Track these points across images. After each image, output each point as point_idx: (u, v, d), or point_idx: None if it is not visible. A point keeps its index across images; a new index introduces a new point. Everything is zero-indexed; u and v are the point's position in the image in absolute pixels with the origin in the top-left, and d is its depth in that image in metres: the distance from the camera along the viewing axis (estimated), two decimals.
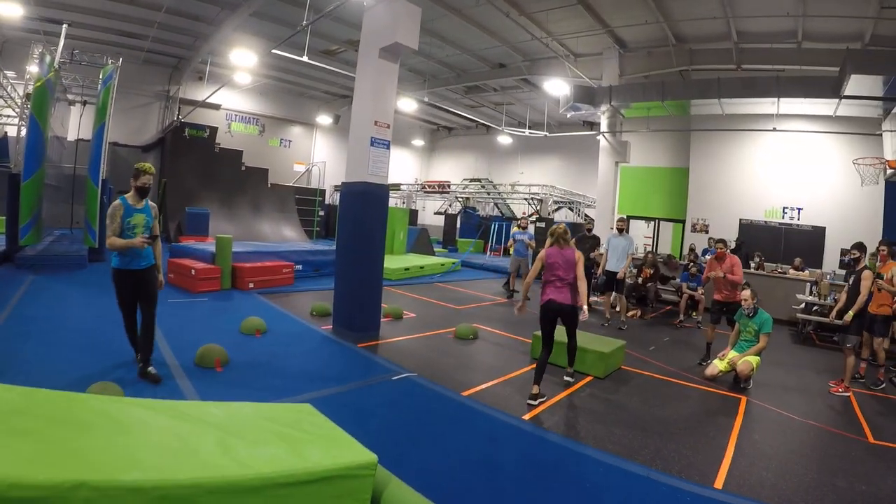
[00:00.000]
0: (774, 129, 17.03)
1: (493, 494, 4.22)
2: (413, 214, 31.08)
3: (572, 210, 27.73)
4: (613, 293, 12.08)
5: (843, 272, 15.36)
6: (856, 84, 13.09)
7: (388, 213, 9.37)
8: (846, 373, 7.81)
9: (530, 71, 21.60)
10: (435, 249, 24.22)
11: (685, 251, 18.98)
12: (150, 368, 5.95)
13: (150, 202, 6.08)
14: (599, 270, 12.00)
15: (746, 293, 7.93)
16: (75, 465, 2.13)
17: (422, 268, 17.73)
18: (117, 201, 5.79)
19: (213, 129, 26.84)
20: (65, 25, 14.34)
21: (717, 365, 7.85)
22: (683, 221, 21.19)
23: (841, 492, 4.62)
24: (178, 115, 26.16)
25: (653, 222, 22.88)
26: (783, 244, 18.65)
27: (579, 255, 6.69)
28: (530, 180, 28.82)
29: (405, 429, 5.31)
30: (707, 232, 19.91)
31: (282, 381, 6.32)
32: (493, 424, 5.54)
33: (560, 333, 6.84)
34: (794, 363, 9.58)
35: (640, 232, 22.77)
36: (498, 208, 32.88)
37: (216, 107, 28.55)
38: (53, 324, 7.91)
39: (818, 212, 18.48)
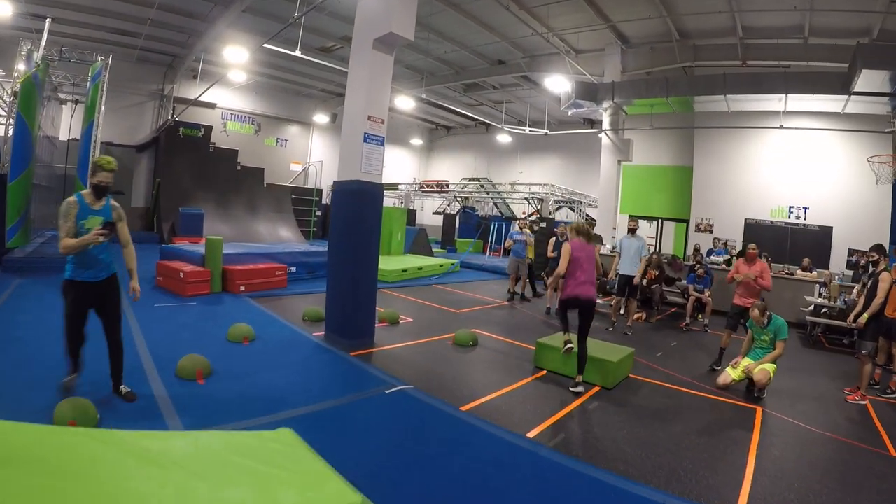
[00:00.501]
0: (781, 127, 16.71)
1: None
2: (411, 214, 30.67)
3: (573, 210, 27.32)
4: (617, 296, 11.67)
5: (850, 273, 15.04)
6: (866, 79, 12.79)
7: (382, 213, 8.88)
8: (862, 380, 7.50)
9: (530, 68, 21.24)
10: (433, 250, 23.80)
11: (689, 251, 18.62)
12: (123, 387, 5.47)
13: (112, 202, 5.37)
14: (611, 273, 11.57)
15: (755, 313, 7.48)
16: None
17: (420, 269, 17.33)
18: (72, 198, 5.16)
19: (208, 129, 26.60)
20: (48, 20, 13.93)
21: (730, 373, 7.42)
22: (687, 221, 20.75)
23: None
24: (173, 114, 25.75)
25: (655, 222, 22.46)
26: (789, 244, 18.20)
27: (597, 250, 6.99)
28: (529, 179, 28.35)
29: (399, 450, 4.86)
30: (711, 232, 19.55)
31: (267, 395, 5.86)
32: (496, 444, 5.09)
33: None
34: (805, 368, 9.25)
35: (642, 232, 22.28)
36: (497, 208, 32.52)
37: (211, 105, 28.28)
38: (34, 331, 7.56)
39: (825, 211, 18.05)
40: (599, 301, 13.47)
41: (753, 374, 7.14)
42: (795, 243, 18.04)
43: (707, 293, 12.63)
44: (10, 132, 13.10)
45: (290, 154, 33.40)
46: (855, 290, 11.83)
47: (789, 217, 18.74)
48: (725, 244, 18.17)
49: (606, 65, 18.74)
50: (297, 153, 33.78)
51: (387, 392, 6.20)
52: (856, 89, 13.46)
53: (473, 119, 33.06)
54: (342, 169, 8.39)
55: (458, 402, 6.09)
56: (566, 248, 7.02)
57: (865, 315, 7.49)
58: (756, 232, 18.83)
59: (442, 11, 17.25)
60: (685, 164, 20.85)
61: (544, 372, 7.60)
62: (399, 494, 3.90)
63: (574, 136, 28.89)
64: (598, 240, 12.92)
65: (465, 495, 4.13)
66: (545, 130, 25.53)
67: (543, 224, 19.86)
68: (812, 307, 12.27)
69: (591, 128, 27.80)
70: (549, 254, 13.12)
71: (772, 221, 18.96)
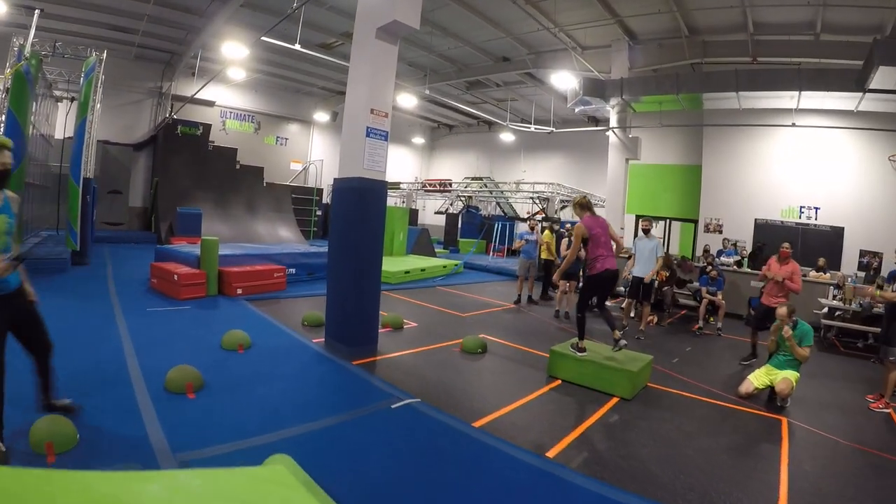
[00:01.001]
0: (794, 125, 16.34)
1: None
2: (413, 214, 30.33)
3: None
4: (629, 298, 11.25)
5: (863, 274, 14.69)
6: (883, 76, 12.38)
7: (386, 212, 8.41)
8: (888, 388, 7.17)
9: (535, 64, 20.79)
10: (436, 250, 23.39)
11: (698, 252, 18.21)
12: (58, 401, 4.82)
13: (8, 194, 4.25)
14: (625, 273, 11.12)
15: (782, 311, 7.14)
16: None
17: (423, 270, 16.89)
18: None
19: (207, 127, 26.15)
20: (37, 11, 13.46)
21: (753, 382, 7.07)
22: (696, 221, 20.30)
23: None
24: (171, 112, 25.43)
25: (663, 222, 22.00)
26: (800, 245, 17.71)
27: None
28: (533, 179, 27.93)
29: (409, 476, 4.38)
30: (721, 232, 19.08)
31: (263, 411, 5.39)
32: (515, 467, 4.63)
33: None
34: (823, 373, 8.91)
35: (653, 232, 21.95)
36: (500, 207, 32.05)
37: (210, 103, 28.16)
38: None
39: (836, 211, 17.60)
40: (608, 303, 13.15)
41: (775, 383, 6.86)
42: (806, 244, 17.55)
43: (720, 295, 12.23)
44: (1, 129, 12.74)
45: (290, 153, 33.13)
46: (869, 292, 11.50)
47: (800, 217, 18.28)
48: (735, 245, 17.70)
49: (613, 61, 18.30)
50: (298, 152, 33.49)
51: (393, 407, 5.73)
52: (871, 86, 13.05)
53: (476, 117, 32.79)
54: (343, 166, 7.89)
55: (469, 417, 5.64)
56: (580, 227, 7.05)
57: None
58: (766, 232, 18.42)
59: (445, 6, 16.86)
60: (694, 162, 20.39)
61: (559, 381, 7.14)
62: None
63: (578, 135, 28.52)
64: None
65: None
66: (551, 128, 25.10)
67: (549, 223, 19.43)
68: (826, 310, 11.95)
69: (595, 126, 27.44)
70: (564, 252, 12.58)
71: (782, 222, 18.50)
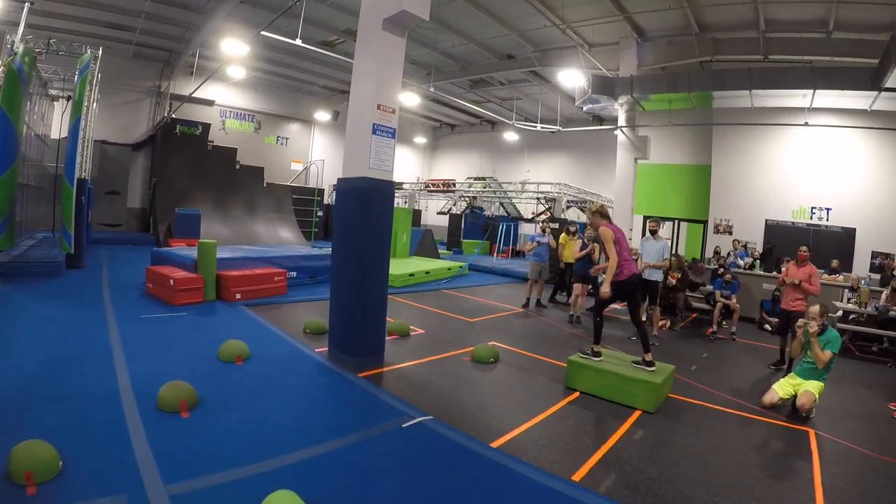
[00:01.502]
0: (806, 124, 16.03)
1: None
2: (416, 215, 29.88)
3: (584, 211, 26.28)
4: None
5: (878, 277, 14.34)
6: None
7: (393, 213, 7.93)
8: None
9: (541, 62, 20.40)
10: (439, 252, 22.97)
11: (707, 254, 17.82)
12: None
13: None
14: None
15: (815, 309, 6.92)
16: None
17: (427, 272, 16.50)
18: None
19: (206, 126, 25.74)
20: (27, 5, 13.08)
21: (777, 391, 6.82)
22: (705, 222, 19.90)
23: None
24: (169, 111, 25.13)
25: (672, 223, 21.58)
26: (811, 246, 17.26)
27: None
28: (537, 179, 27.51)
29: None
30: (731, 233, 18.68)
31: (262, 432, 4.95)
32: (539, 492, 4.22)
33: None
34: (840, 378, 8.53)
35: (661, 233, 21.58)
36: (504, 208, 31.64)
37: (210, 103, 27.86)
38: (3, 349, 6.77)
39: (848, 212, 17.25)
40: (617, 307, 12.85)
41: (797, 396, 6.61)
42: (817, 245, 17.13)
43: (734, 299, 11.89)
44: None
45: (290, 153, 32.78)
46: (884, 295, 11.27)
47: (811, 218, 17.91)
48: (745, 246, 17.29)
49: (622, 59, 17.95)
50: (298, 152, 33.16)
51: (404, 426, 5.28)
52: (888, 85, 12.80)
53: (479, 117, 32.46)
54: (348, 165, 7.44)
55: (486, 436, 5.22)
56: (608, 233, 6.93)
57: None
58: (777, 233, 18.07)
59: (449, 2, 16.50)
60: (703, 162, 19.98)
61: (577, 394, 6.73)
62: None
63: (583, 135, 28.24)
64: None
65: None
66: (557, 126, 24.71)
67: (556, 225, 18.91)
68: (840, 313, 11.65)
69: (600, 125, 27.07)
70: (577, 255, 12.13)
71: (793, 223, 18.12)
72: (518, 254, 26.48)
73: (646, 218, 17.71)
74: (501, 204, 31.46)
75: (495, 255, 26.31)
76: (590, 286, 11.89)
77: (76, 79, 14.31)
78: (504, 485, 4.34)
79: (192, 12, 19.09)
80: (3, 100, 11.86)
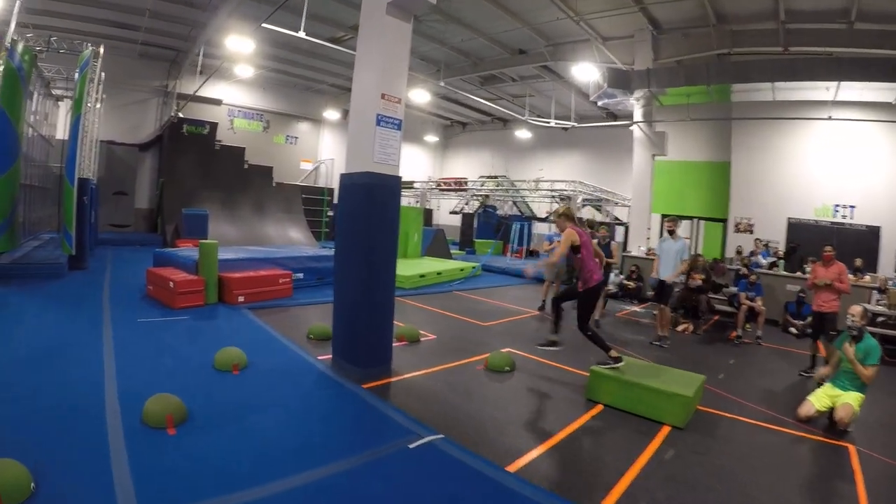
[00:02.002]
0: (830, 118, 15.47)
1: None
2: (427, 214, 29.43)
3: (599, 210, 25.77)
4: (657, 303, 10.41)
5: None
6: None
7: (400, 211, 7.36)
8: None
9: (554, 56, 19.85)
10: (451, 252, 22.52)
11: (728, 253, 17.26)
12: None
13: None
14: (653, 274, 10.29)
15: (857, 309, 6.50)
16: None
17: (439, 273, 16.04)
18: None
19: (213, 126, 25.70)
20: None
21: (813, 403, 6.31)
22: (725, 221, 19.31)
23: None
24: (176, 110, 24.86)
25: (691, 222, 21.00)
26: (835, 245, 16.74)
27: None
28: (550, 177, 27.00)
29: None
30: (752, 232, 18.10)
31: (251, 454, 4.48)
32: None
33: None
34: (875, 387, 7.70)
35: (680, 232, 21.04)
36: (517, 207, 31.15)
37: (217, 102, 27.52)
38: None
39: (873, 210, 16.70)
40: (637, 308, 12.33)
41: (836, 409, 6.18)
42: (841, 244, 16.49)
43: (759, 301, 11.29)
44: None
45: (299, 152, 32.51)
46: None
47: (834, 216, 17.35)
48: (767, 245, 16.68)
49: (637, 52, 17.37)
50: (308, 151, 32.88)
51: (411, 447, 4.76)
52: None
53: (491, 114, 32.03)
54: (351, 159, 6.98)
55: (502, 458, 4.72)
56: (573, 234, 6.84)
57: None
58: (799, 232, 17.53)
59: None
60: (722, 158, 19.40)
61: (601, 407, 6.22)
62: None
63: (597, 132, 27.77)
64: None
65: None
66: (572, 123, 24.17)
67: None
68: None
69: (615, 121, 26.53)
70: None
71: (816, 221, 17.56)
72: (532, 253, 26.01)
73: (663, 217, 17.20)
74: (514, 203, 31.00)
75: (509, 255, 25.84)
76: (608, 288, 11.43)
77: (76, 76, 14.11)
78: None
79: (196, 9, 18.79)
80: (3, 98, 11.75)
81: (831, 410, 6.21)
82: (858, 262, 14.05)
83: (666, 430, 5.64)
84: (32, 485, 3.63)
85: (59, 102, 19.92)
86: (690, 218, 20.79)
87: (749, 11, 14.98)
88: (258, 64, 24.68)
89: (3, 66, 11.89)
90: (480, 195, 30.12)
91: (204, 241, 11.35)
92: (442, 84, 22.29)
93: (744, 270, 12.09)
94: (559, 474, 4.55)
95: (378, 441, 4.93)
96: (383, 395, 6.16)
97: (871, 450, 5.58)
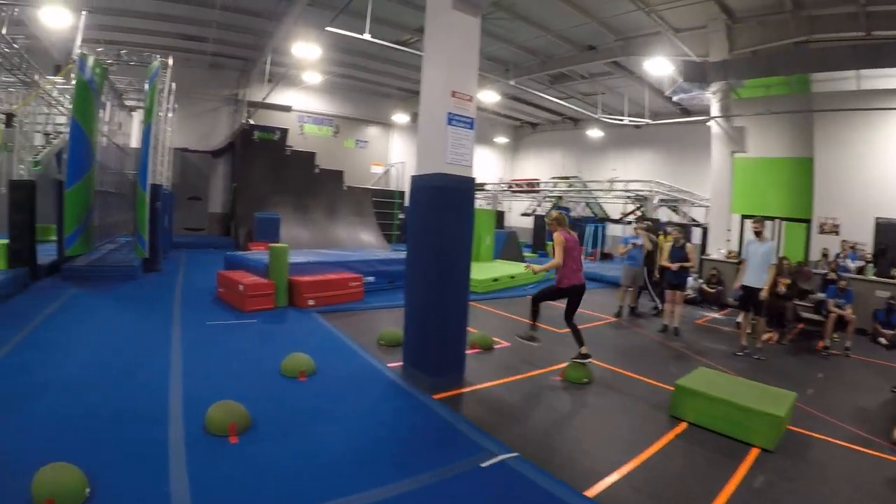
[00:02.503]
0: None
1: None
2: (499, 216, 29.28)
3: (676, 211, 24.93)
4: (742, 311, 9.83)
5: None
6: None
7: (474, 213, 7.13)
8: None
9: (624, 51, 19.29)
10: (524, 255, 22.16)
11: (812, 256, 16.34)
12: None
13: None
14: (736, 284, 9.68)
15: None
16: None
17: (512, 277, 15.68)
18: None
19: (284, 132, 26.24)
20: (83, 13, 13.31)
21: None
22: (808, 221, 18.31)
23: None
24: (247, 118, 25.75)
25: (772, 223, 20.04)
26: None
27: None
28: (624, 177, 26.35)
29: None
30: (837, 233, 17.05)
31: (314, 468, 4.31)
32: None
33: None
34: None
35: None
36: (590, 208, 30.52)
37: (287, 108, 28.24)
38: (61, 356, 6.77)
39: None
40: (717, 315, 11.74)
41: None
42: None
43: (849, 309, 10.50)
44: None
45: (370, 156, 32.81)
46: None
47: None
48: (854, 247, 15.65)
49: (711, 43, 16.60)
50: (378, 154, 33.12)
51: (483, 465, 4.47)
52: None
53: (561, 114, 31.57)
54: (422, 161, 6.75)
55: (580, 480, 4.38)
56: (561, 238, 7.22)
57: None
58: (889, 233, 16.28)
59: None
60: (804, 154, 18.36)
61: (685, 425, 5.76)
62: None
63: (670, 130, 26.94)
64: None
65: None
66: (646, 120, 23.54)
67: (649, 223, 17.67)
68: None
69: (688, 118, 25.67)
70: (663, 262, 11.03)
71: None
72: (606, 256, 25.41)
73: (743, 217, 16.46)
74: (588, 204, 30.39)
75: (582, 257, 25.22)
76: (686, 292, 10.92)
77: (146, 86, 14.69)
78: None
79: (262, 19, 19.20)
80: (76, 110, 12.30)
81: None
82: None
83: (754, 452, 5.16)
84: (87, 490, 3.61)
85: (132, 113, 20.52)
86: (772, 218, 19.85)
87: None
88: (325, 70, 24.92)
89: (74, 80, 12.37)
90: (553, 196, 29.64)
91: (273, 244, 11.36)
92: (512, 83, 22.04)
93: (832, 275, 11.35)
94: (641, 501, 4.19)
95: (449, 458, 4.65)
96: (455, 406, 5.90)
97: None
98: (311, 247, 19.31)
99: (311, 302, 10.74)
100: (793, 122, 18.18)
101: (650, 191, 22.19)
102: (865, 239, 16.30)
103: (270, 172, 24.15)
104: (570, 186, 28.12)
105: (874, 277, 13.12)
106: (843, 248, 14.87)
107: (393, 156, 33.38)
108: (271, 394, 5.84)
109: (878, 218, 16.50)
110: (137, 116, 20.23)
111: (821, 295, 11.47)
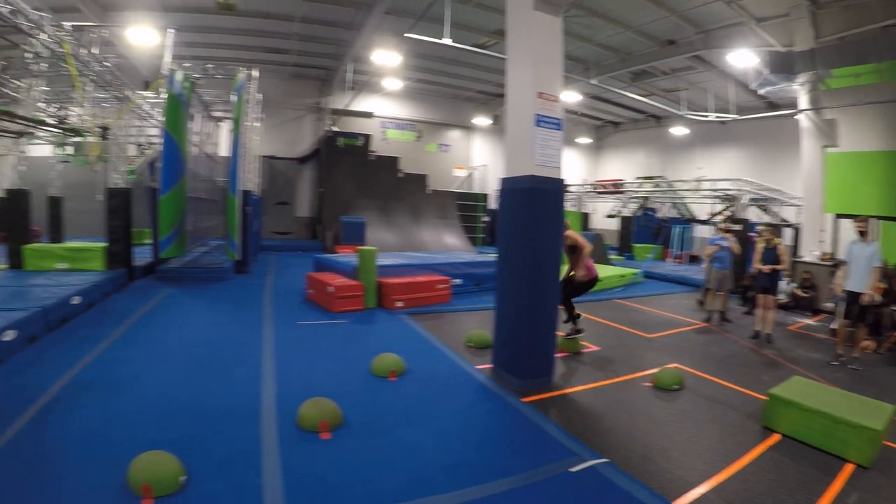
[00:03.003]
0: None
1: None
2: (584, 218, 28.91)
3: (766, 211, 23.79)
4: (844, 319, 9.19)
5: None
6: None
7: (564, 216, 7.08)
8: None
9: (706, 44, 18.73)
10: (610, 257, 21.92)
11: None
12: None
13: None
14: (837, 289, 9.22)
15: None
16: None
17: (599, 280, 15.31)
18: None
19: (367, 137, 26.93)
20: (170, 31, 13.92)
21: None
22: None
23: None
24: (331, 125, 26.50)
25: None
26: None
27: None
28: (710, 176, 25.48)
29: None
30: None
31: (405, 467, 4.40)
32: None
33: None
34: None
35: (851, 234, 19.09)
36: (676, 209, 29.71)
37: (369, 115, 28.83)
38: (157, 351, 7.25)
39: None
40: (810, 321, 11.28)
41: None
42: None
43: None
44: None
45: (452, 159, 32.96)
46: None
47: None
48: None
49: (796, 31, 15.84)
50: (460, 158, 33.23)
51: (572, 470, 4.47)
52: None
53: (643, 112, 31.02)
54: (510, 163, 6.73)
55: (669, 489, 4.31)
56: (577, 235, 8.15)
57: None
58: None
59: None
60: None
61: (778, 437, 5.53)
62: None
63: (755, 125, 25.86)
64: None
65: None
66: (732, 115, 22.80)
67: (738, 226, 16.91)
68: None
69: (775, 111, 24.71)
70: (756, 265, 10.31)
71: None
72: (694, 259, 24.75)
73: (837, 216, 15.79)
74: (674, 204, 29.62)
75: (669, 259, 24.83)
76: (778, 297, 10.50)
77: (232, 98, 15.53)
78: None
79: (341, 29, 19.62)
80: (168, 122, 12.94)
81: None
82: None
83: (849, 468, 4.90)
84: (182, 478, 3.86)
85: (220, 123, 21.42)
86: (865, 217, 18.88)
87: None
88: (405, 76, 25.28)
89: (165, 94, 13.05)
90: (638, 197, 29.06)
91: (362, 247, 11.63)
92: (593, 82, 21.76)
93: None
94: None
95: (537, 462, 4.66)
96: (544, 410, 5.88)
97: None
98: (397, 250, 19.74)
99: (399, 304, 10.94)
100: (888, 113, 17.28)
101: (738, 190, 21.41)
102: None
103: (355, 177, 24.75)
104: (655, 186, 27.47)
105: None
106: None
107: (475, 159, 33.42)
108: (362, 392, 5.99)
109: None
110: (225, 126, 21.19)
111: None
